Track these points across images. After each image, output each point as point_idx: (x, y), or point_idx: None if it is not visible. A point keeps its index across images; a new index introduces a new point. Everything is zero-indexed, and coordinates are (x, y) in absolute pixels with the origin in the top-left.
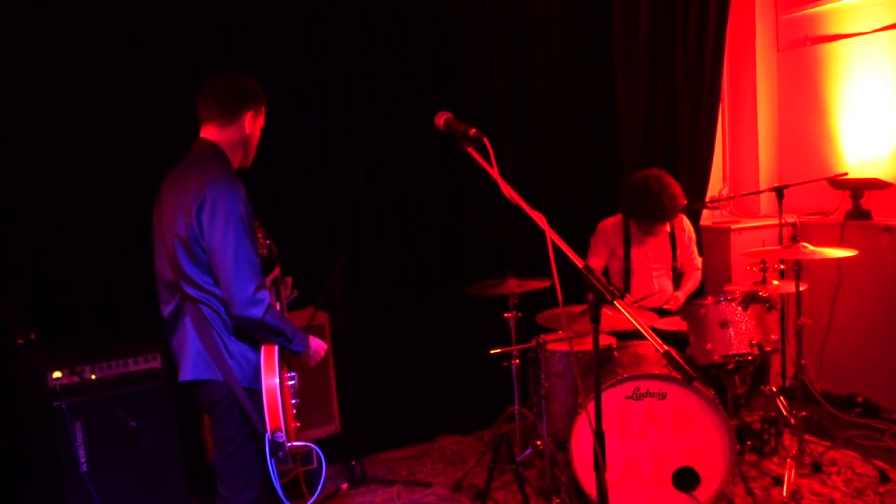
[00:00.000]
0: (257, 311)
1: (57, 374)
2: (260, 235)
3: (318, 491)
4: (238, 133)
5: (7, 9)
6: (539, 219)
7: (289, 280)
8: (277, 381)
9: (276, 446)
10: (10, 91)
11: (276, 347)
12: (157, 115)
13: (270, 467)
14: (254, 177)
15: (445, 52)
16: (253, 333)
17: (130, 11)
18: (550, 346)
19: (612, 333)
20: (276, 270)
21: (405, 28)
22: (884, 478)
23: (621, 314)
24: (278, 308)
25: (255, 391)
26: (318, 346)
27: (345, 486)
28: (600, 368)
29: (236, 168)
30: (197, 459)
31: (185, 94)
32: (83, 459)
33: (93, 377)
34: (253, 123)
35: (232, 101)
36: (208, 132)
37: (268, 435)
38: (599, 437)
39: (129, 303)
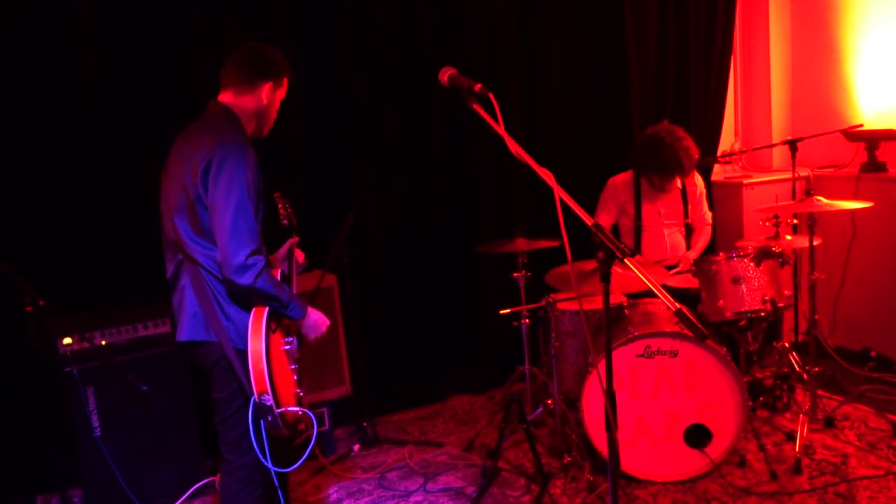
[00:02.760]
0: (247, 279)
1: (67, 341)
2: (280, 206)
3: (304, 456)
4: (255, 101)
5: None
6: (547, 176)
7: (300, 254)
8: (263, 344)
9: (264, 409)
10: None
11: (266, 310)
12: (152, 77)
13: (251, 429)
14: (258, 140)
15: (450, 8)
16: (246, 297)
17: None
18: (561, 306)
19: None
20: (294, 239)
21: None
22: None
23: (632, 274)
24: (278, 275)
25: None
26: (317, 318)
27: (357, 447)
28: (611, 327)
29: (249, 136)
30: (210, 422)
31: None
32: (96, 424)
33: (103, 343)
34: (271, 95)
35: (253, 69)
36: (226, 97)
37: (254, 398)
38: (610, 396)
39: (137, 267)
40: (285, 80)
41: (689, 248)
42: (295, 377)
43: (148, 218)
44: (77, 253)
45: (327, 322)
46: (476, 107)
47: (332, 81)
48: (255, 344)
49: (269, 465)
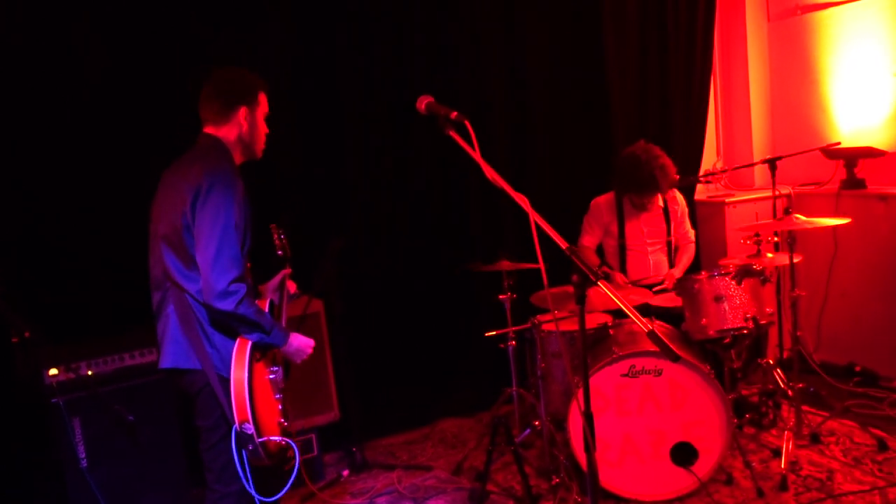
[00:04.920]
0: (228, 304)
1: (53, 371)
2: (276, 236)
3: (286, 486)
4: (235, 130)
5: None
6: (522, 201)
7: (292, 285)
8: (246, 372)
9: (245, 438)
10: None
11: (251, 341)
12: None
13: (236, 458)
14: (245, 165)
15: (436, 30)
16: (229, 324)
17: None
18: (546, 327)
19: (609, 312)
20: (287, 270)
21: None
22: (882, 446)
23: (615, 294)
24: (266, 304)
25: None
26: (300, 343)
27: (346, 472)
28: (596, 347)
29: (245, 161)
30: (196, 451)
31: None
32: (83, 455)
33: (89, 373)
34: (250, 117)
35: (223, 101)
36: (209, 129)
37: (235, 426)
38: (588, 418)
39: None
40: (261, 96)
41: (672, 266)
42: (279, 407)
43: (136, 243)
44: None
45: (311, 343)
46: (453, 133)
47: (322, 102)
48: (238, 373)
49: (254, 493)
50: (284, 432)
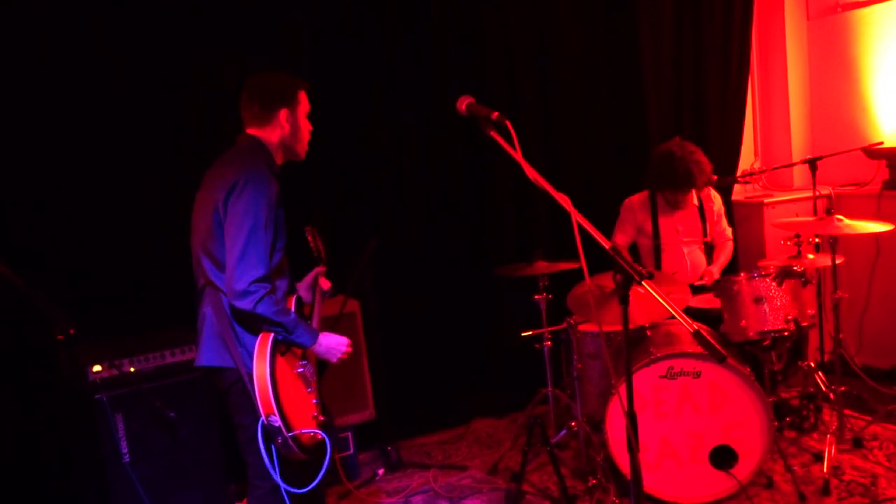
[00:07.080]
0: (246, 304)
1: (97, 368)
2: (310, 237)
3: (318, 478)
4: (277, 132)
5: None
6: (564, 200)
7: (325, 282)
8: (268, 367)
9: (273, 431)
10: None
11: (272, 335)
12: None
13: (262, 450)
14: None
15: (464, 27)
16: (251, 322)
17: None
18: (582, 328)
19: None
20: (321, 268)
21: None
22: None
23: (654, 299)
24: (292, 302)
25: None
26: (331, 342)
27: (381, 471)
28: (633, 348)
29: (288, 161)
30: (233, 447)
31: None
32: (125, 450)
33: (132, 370)
34: (291, 118)
35: (263, 103)
36: (252, 131)
37: (262, 419)
38: (632, 419)
39: (167, 293)
40: (300, 95)
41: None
42: (314, 401)
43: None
44: (105, 277)
45: (345, 341)
46: (494, 134)
47: (350, 103)
48: (260, 367)
49: (283, 484)
50: (321, 426)
